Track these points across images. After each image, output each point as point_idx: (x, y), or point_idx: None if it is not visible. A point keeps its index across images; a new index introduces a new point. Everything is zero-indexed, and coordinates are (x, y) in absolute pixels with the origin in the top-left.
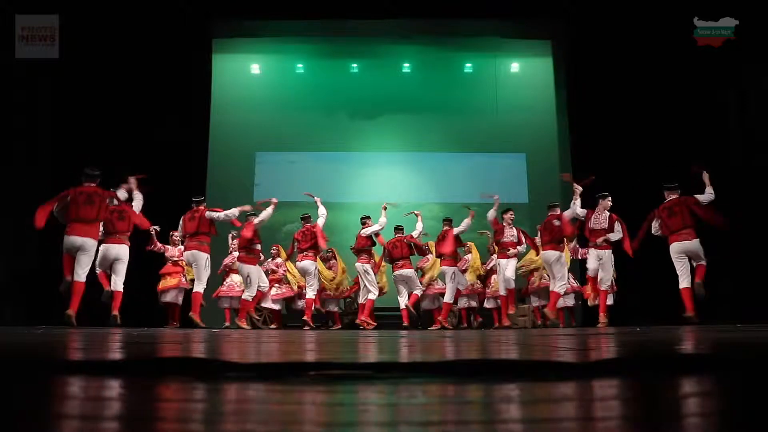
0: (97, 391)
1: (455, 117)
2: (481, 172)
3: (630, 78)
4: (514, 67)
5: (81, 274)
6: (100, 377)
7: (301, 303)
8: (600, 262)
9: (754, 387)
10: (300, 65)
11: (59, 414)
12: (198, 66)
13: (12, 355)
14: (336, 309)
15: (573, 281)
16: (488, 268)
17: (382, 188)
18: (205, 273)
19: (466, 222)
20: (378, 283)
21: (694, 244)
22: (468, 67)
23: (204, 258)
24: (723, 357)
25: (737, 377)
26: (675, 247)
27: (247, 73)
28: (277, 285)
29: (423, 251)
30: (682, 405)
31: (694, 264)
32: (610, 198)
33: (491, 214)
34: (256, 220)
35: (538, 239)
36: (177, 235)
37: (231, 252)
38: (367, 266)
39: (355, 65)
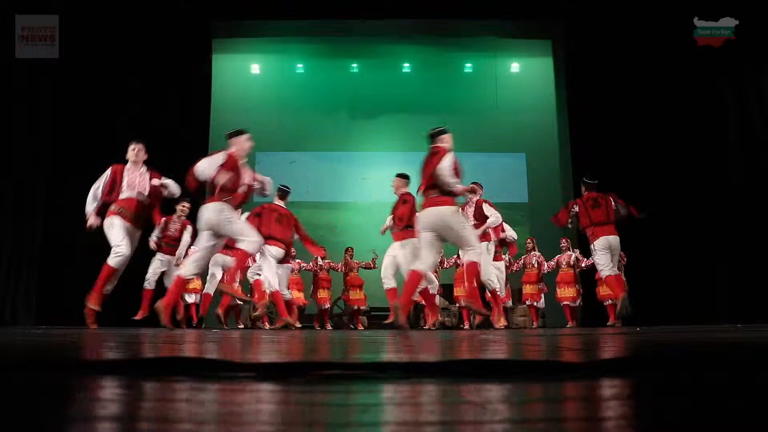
0: (96, 392)
1: (455, 117)
2: (481, 172)
3: (630, 78)
4: (514, 67)
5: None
6: (99, 377)
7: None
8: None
9: (743, 385)
10: (300, 65)
11: (57, 414)
12: (198, 66)
13: (12, 355)
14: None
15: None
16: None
17: (382, 188)
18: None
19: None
20: None
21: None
22: (468, 67)
23: None
24: (732, 358)
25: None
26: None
27: (247, 73)
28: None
29: None
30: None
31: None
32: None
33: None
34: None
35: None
36: None
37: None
38: None
39: (355, 65)
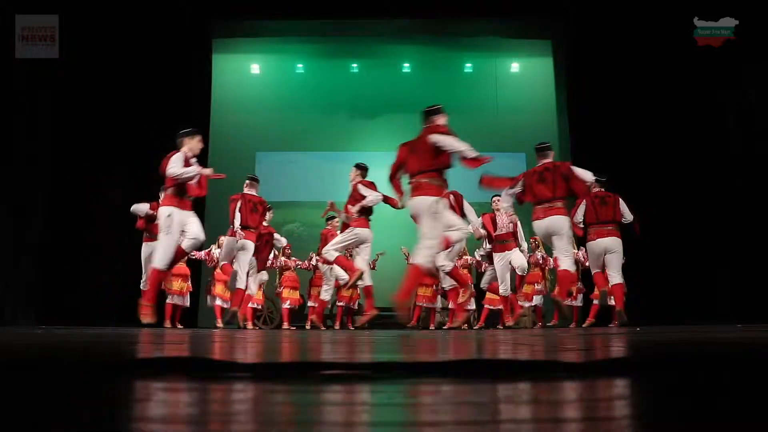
0: (97, 391)
1: (455, 117)
2: (481, 171)
3: (630, 78)
4: (514, 67)
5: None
6: (99, 377)
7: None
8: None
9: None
10: (300, 65)
11: (54, 414)
12: (198, 66)
13: (15, 356)
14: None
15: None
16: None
17: (381, 188)
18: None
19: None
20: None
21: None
22: (468, 67)
23: None
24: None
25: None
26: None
27: (247, 73)
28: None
29: None
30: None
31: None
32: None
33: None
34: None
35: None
36: None
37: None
38: None
39: (355, 65)
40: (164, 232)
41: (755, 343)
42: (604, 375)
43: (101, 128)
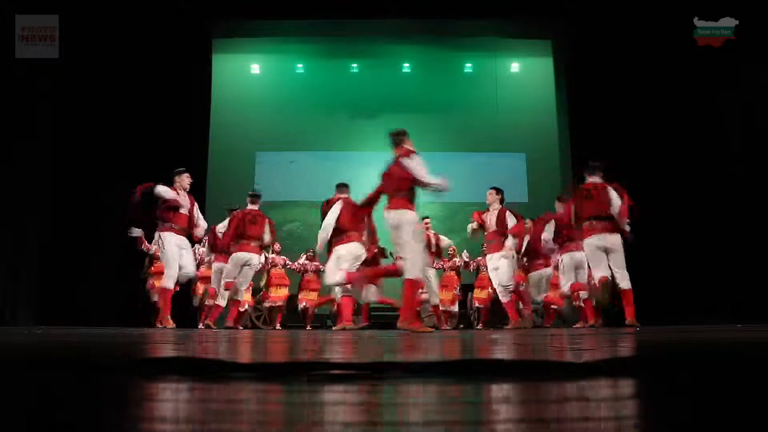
0: (97, 391)
1: (455, 117)
2: (481, 172)
3: (630, 78)
4: (514, 67)
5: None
6: (99, 377)
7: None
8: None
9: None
10: (300, 65)
11: (54, 414)
12: (198, 66)
13: (8, 355)
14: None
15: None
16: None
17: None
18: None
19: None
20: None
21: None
22: (468, 67)
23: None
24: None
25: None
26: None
27: (247, 73)
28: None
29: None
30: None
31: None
32: (493, 191)
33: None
34: None
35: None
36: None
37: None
38: None
39: (355, 65)
40: (414, 238)
41: (755, 343)
42: (603, 375)
43: (101, 128)
